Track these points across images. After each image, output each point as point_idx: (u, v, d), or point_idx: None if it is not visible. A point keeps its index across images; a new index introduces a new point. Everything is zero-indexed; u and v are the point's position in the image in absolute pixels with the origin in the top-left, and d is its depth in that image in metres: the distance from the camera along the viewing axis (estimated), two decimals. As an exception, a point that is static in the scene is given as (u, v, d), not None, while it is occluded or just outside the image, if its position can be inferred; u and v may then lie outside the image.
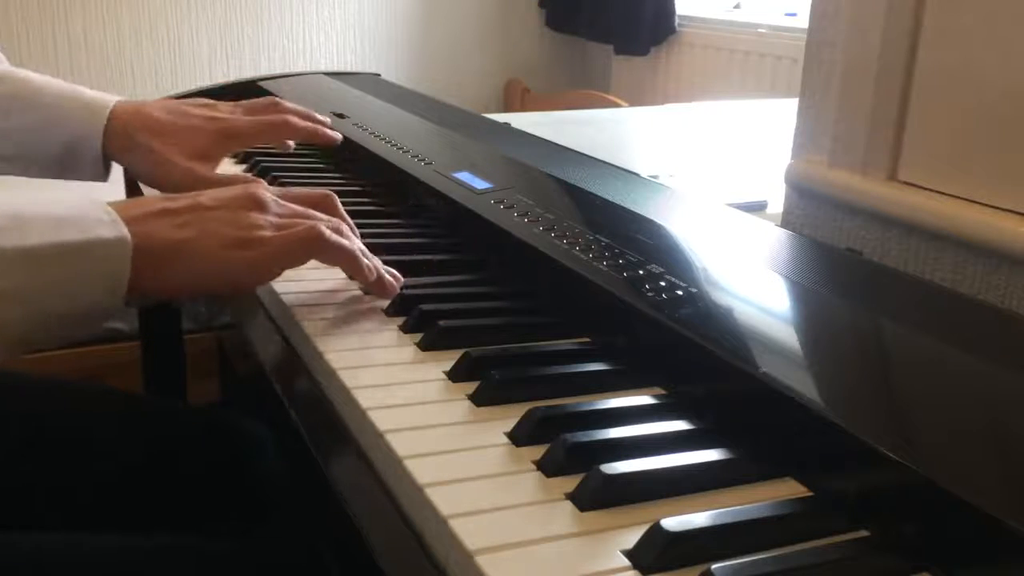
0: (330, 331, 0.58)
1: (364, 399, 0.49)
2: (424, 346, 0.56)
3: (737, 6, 2.75)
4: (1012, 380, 0.46)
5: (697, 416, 0.48)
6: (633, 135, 1.45)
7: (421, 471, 0.42)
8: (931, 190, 0.66)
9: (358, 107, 1.19)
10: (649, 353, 0.53)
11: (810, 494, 0.42)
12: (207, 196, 0.60)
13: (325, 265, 0.69)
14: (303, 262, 0.60)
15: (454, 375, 0.52)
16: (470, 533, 0.38)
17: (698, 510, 0.39)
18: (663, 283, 0.57)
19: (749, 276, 0.60)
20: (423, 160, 0.89)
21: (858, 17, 0.70)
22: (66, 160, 0.82)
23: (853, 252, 0.70)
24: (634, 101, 2.56)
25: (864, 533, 0.39)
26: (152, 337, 1.38)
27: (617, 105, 2.31)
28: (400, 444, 0.45)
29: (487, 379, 0.50)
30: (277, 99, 0.91)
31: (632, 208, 0.72)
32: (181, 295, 0.62)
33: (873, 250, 0.70)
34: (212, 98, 1.41)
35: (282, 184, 0.90)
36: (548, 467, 0.43)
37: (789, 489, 0.42)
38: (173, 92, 1.45)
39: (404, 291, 0.63)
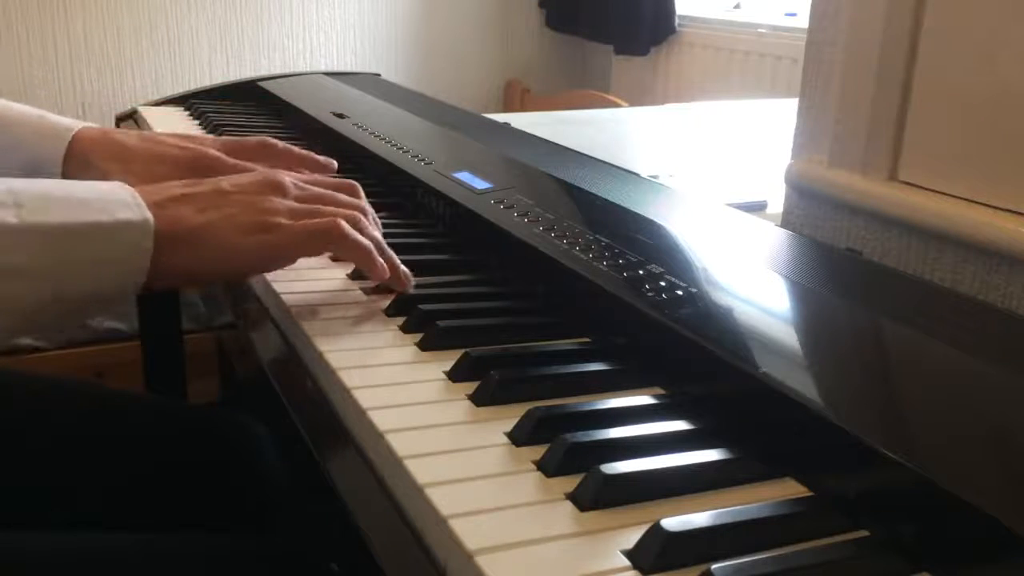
0: (330, 331, 0.58)
1: (364, 399, 0.49)
2: (424, 346, 0.56)
3: (737, 6, 2.75)
4: (1012, 380, 0.46)
5: (697, 416, 0.48)
6: (633, 135, 1.45)
7: (421, 471, 0.42)
8: (931, 190, 0.66)
9: (358, 107, 1.19)
10: (649, 353, 0.53)
11: (810, 494, 0.42)
12: (228, 181, 0.60)
13: (329, 263, 0.69)
14: (319, 253, 0.61)
15: (454, 375, 0.52)
16: (470, 533, 0.38)
17: (698, 510, 0.39)
18: (663, 283, 0.57)
19: (749, 276, 0.60)
20: (423, 160, 0.89)
21: (858, 17, 0.70)
22: None
23: (853, 252, 0.70)
24: (634, 101, 2.56)
25: (864, 533, 0.39)
26: (152, 337, 1.38)
27: (617, 105, 2.31)
28: (400, 444, 0.45)
29: (487, 379, 0.50)
30: (268, 140, 0.84)
31: (632, 208, 0.72)
32: (200, 278, 0.62)
33: (873, 250, 0.70)
34: (212, 98, 1.41)
35: None
36: (548, 467, 0.43)
37: (789, 489, 0.42)
38: (173, 92, 1.45)
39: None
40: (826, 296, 0.57)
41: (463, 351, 0.54)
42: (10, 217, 0.51)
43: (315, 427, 0.53)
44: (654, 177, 0.92)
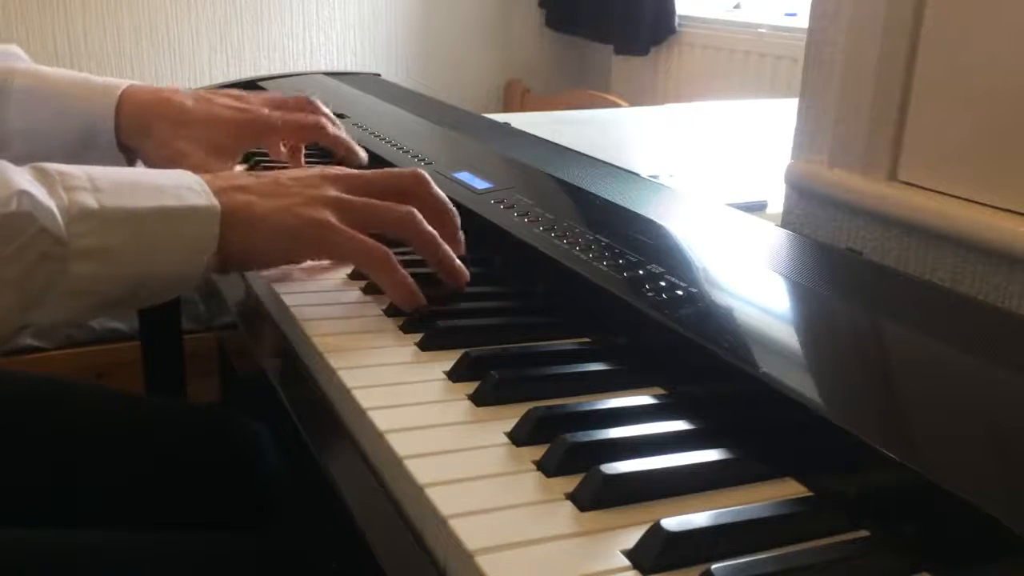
0: (330, 331, 0.58)
1: (364, 399, 0.49)
2: (424, 346, 0.56)
3: (737, 6, 2.75)
4: (1012, 380, 0.46)
5: (697, 416, 0.48)
6: (633, 135, 1.45)
7: (421, 471, 0.42)
8: (931, 190, 0.66)
9: (358, 107, 1.19)
10: (649, 353, 0.53)
11: (810, 494, 0.42)
12: (286, 175, 0.62)
13: (331, 267, 0.69)
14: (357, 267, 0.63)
15: (454, 375, 0.52)
16: (470, 533, 0.38)
17: (698, 510, 0.39)
18: (663, 283, 0.57)
19: (749, 276, 0.60)
20: (423, 160, 0.89)
21: (858, 17, 0.70)
22: (84, 152, 0.79)
23: (853, 252, 0.70)
24: (634, 101, 2.56)
25: (864, 533, 0.39)
26: (152, 337, 1.38)
27: (617, 105, 2.31)
28: (400, 444, 0.45)
29: (487, 379, 0.50)
30: (311, 97, 0.86)
31: (632, 208, 0.72)
32: (257, 262, 0.63)
33: (873, 250, 0.70)
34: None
35: None
36: (548, 467, 0.43)
37: (789, 489, 0.42)
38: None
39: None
40: (826, 296, 0.57)
41: (463, 351, 0.54)
42: (90, 201, 0.53)
43: (315, 427, 0.53)
44: (654, 177, 0.92)
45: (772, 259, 0.63)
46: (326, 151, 0.90)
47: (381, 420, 0.47)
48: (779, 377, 0.45)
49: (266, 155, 0.97)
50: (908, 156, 0.68)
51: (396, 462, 0.43)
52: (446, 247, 0.62)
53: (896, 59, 0.67)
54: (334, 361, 0.54)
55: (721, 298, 0.55)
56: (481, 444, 0.45)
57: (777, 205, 0.81)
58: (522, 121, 1.17)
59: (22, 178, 0.51)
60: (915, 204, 0.66)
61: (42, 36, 2.45)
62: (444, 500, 0.40)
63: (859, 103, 0.70)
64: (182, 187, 0.57)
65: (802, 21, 2.28)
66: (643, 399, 0.50)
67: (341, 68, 2.80)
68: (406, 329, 0.59)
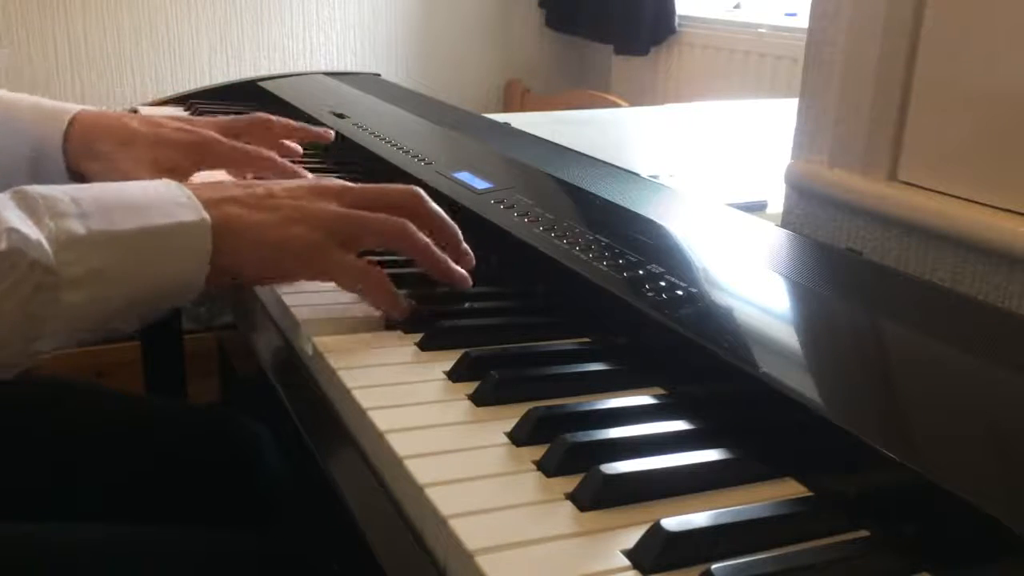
0: (330, 331, 0.58)
1: (364, 399, 0.49)
2: (424, 346, 0.56)
3: (737, 6, 2.75)
4: (1012, 380, 0.46)
5: (697, 416, 0.48)
6: (633, 135, 1.45)
7: (421, 471, 0.42)
8: (931, 190, 0.66)
9: (358, 107, 1.19)
10: (649, 353, 0.53)
11: (810, 494, 0.42)
12: (279, 186, 0.61)
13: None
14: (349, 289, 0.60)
15: (454, 375, 0.52)
16: (470, 533, 0.38)
17: (698, 510, 0.39)
18: (663, 283, 0.57)
19: (749, 276, 0.60)
20: (423, 160, 0.89)
21: (858, 17, 0.70)
22: (34, 178, 0.78)
23: (853, 252, 0.70)
24: (634, 101, 2.56)
25: (864, 533, 0.39)
26: (152, 337, 1.38)
27: (617, 105, 2.31)
28: (400, 444, 0.45)
29: (487, 379, 0.50)
30: (264, 116, 0.85)
31: (632, 208, 0.72)
32: (249, 277, 0.62)
33: (873, 250, 0.70)
34: (212, 98, 1.41)
35: None
36: (548, 467, 0.43)
37: (789, 489, 0.42)
38: (173, 92, 1.45)
39: (405, 292, 0.63)
40: (826, 296, 0.57)
41: (463, 351, 0.54)
42: (77, 227, 0.52)
43: (315, 427, 0.53)
44: (654, 177, 0.92)
45: (772, 259, 0.63)
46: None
47: (381, 420, 0.47)
48: (779, 377, 0.45)
49: None
50: (908, 156, 0.68)
51: (396, 462, 0.44)
52: (443, 256, 0.62)
53: (896, 59, 0.67)
54: (334, 361, 0.54)
55: (721, 298, 0.55)
56: (481, 444, 0.45)
57: (777, 205, 0.81)
58: (522, 121, 1.17)
59: (9, 212, 0.50)
60: (915, 204, 0.66)
61: (42, 37, 2.45)
62: (444, 500, 0.40)
63: (859, 103, 0.70)
64: (170, 202, 0.55)
65: (802, 21, 2.27)
66: (643, 399, 0.50)
67: (341, 68, 2.80)
68: (406, 329, 0.59)
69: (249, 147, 0.82)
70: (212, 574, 0.64)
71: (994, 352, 0.50)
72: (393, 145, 0.95)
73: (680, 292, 0.55)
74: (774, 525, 0.39)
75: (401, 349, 0.56)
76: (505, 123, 1.14)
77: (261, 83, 1.39)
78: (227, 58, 2.70)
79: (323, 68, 2.75)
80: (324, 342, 0.56)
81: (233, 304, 0.70)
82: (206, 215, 0.56)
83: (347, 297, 0.64)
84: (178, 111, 1.35)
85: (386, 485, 0.45)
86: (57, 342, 0.52)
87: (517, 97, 3.02)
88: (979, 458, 0.40)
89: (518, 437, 0.46)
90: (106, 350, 1.64)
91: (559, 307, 0.62)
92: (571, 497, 0.41)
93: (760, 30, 2.50)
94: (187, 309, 1.51)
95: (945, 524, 0.37)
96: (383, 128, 1.03)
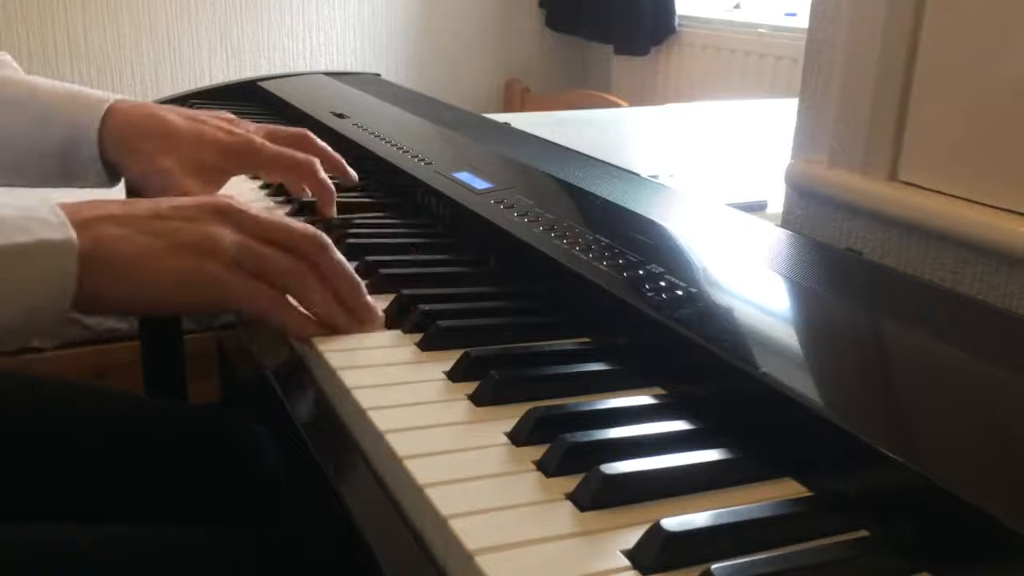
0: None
1: (364, 399, 0.49)
2: (424, 346, 0.56)
3: (737, 6, 2.75)
4: (1012, 380, 0.46)
5: (697, 416, 0.48)
6: (633, 135, 1.45)
7: (421, 471, 0.42)
8: (931, 190, 0.66)
9: (358, 107, 1.19)
10: (649, 353, 0.53)
11: (810, 494, 0.42)
12: (167, 204, 0.56)
13: None
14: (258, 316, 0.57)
15: (454, 375, 0.52)
16: (470, 533, 0.38)
17: (698, 510, 0.39)
18: (663, 283, 0.57)
19: (749, 276, 0.60)
20: (423, 160, 0.89)
21: (858, 17, 0.70)
22: (65, 164, 0.77)
23: (853, 252, 0.70)
24: (634, 101, 2.57)
25: (864, 533, 0.39)
26: (152, 337, 1.38)
27: (617, 105, 2.31)
28: (400, 444, 0.45)
29: (487, 379, 0.50)
30: (309, 133, 0.82)
31: (632, 208, 0.72)
32: (130, 308, 0.57)
33: (873, 250, 0.70)
34: (212, 98, 1.41)
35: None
36: (548, 467, 0.43)
37: (789, 489, 0.42)
38: (173, 92, 1.45)
39: (404, 291, 0.63)
40: (826, 296, 0.57)
41: (463, 351, 0.54)
42: None
43: (315, 427, 0.53)
44: (654, 177, 0.92)
45: (772, 259, 0.63)
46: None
47: (381, 420, 0.47)
48: (779, 377, 0.45)
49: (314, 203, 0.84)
50: (908, 156, 0.68)
51: (396, 462, 0.44)
52: (339, 313, 0.58)
53: (896, 59, 0.67)
54: (334, 361, 0.54)
55: (721, 298, 0.55)
56: (481, 444, 0.45)
57: (777, 205, 0.81)
58: (522, 121, 1.17)
59: None
60: (915, 204, 0.66)
61: (42, 36, 2.45)
62: (444, 500, 0.40)
63: (859, 103, 0.70)
64: (33, 219, 0.51)
65: (802, 21, 2.28)
66: (643, 399, 0.50)
67: (341, 68, 2.80)
68: (406, 329, 0.59)
69: (289, 153, 0.78)
70: (211, 574, 0.64)
71: (994, 352, 0.50)
72: (393, 145, 0.95)
73: (680, 292, 0.55)
74: (774, 525, 0.39)
75: (401, 349, 0.56)
76: (505, 123, 1.14)
77: (261, 83, 1.39)
78: (227, 58, 2.70)
79: (323, 68, 2.75)
80: (324, 342, 0.56)
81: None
82: (73, 235, 0.51)
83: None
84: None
85: (386, 485, 0.45)
86: None
87: (517, 97, 3.02)
88: (979, 458, 0.40)
89: (518, 437, 0.46)
90: (106, 350, 1.64)
91: (559, 307, 0.62)
92: (571, 497, 0.41)
93: (760, 30, 2.50)
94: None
95: (945, 524, 0.37)
96: (383, 128, 1.03)
